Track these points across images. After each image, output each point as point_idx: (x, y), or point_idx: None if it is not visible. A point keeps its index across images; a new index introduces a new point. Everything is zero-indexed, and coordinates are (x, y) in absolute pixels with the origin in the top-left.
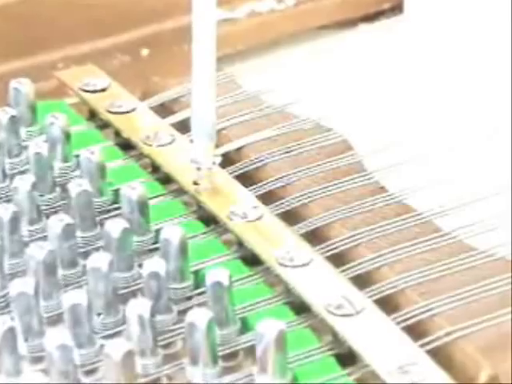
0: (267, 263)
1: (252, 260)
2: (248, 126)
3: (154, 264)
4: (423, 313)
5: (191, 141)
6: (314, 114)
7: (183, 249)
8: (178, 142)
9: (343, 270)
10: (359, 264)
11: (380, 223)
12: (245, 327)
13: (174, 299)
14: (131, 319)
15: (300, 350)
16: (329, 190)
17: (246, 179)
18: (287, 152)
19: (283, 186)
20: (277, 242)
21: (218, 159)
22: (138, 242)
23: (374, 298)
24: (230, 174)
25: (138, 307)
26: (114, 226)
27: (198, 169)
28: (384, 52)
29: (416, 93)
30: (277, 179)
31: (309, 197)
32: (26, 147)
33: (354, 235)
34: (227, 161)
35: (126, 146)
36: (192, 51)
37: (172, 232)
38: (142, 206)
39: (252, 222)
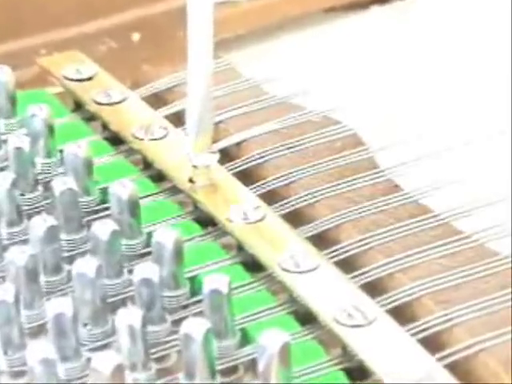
0: (270, 269)
1: (253, 265)
2: (249, 118)
3: (146, 270)
4: (441, 323)
5: (186, 135)
6: (322, 105)
7: (178, 253)
8: (171, 135)
9: (353, 277)
10: (371, 270)
11: (394, 225)
12: (245, 339)
13: (168, 308)
14: (121, 330)
15: (306, 364)
16: (337, 189)
17: (247, 177)
18: (292, 147)
19: (287, 185)
20: (280, 246)
21: (216, 156)
22: (129, 245)
23: (387, 307)
24: (230, 171)
25: (129, 317)
26: (102, 228)
27: (194, 166)
28: (397, 37)
29: (433, 83)
30: (280, 177)
31: (315, 196)
32: (4, 141)
33: (365, 238)
34: (226, 157)
35: (115, 140)
36: (187, 36)
37: (166, 234)
38: (133, 206)
39: (253, 223)
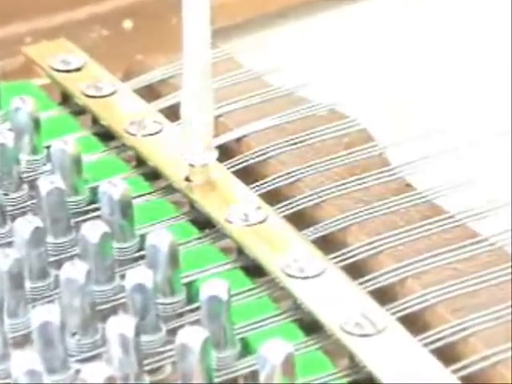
0: (272, 274)
1: (254, 270)
2: (250, 112)
3: (139, 275)
4: (456, 333)
5: (182, 130)
6: (328, 98)
7: (173, 257)
8: (166, 130)
9: (362, 283)
10: (381, 275)
11: (405, 227)
12: (246, 349)
13: (163, 316)
14: (112, 340)
15: (311, 376)
16: (345, 188)
17: (248, 175)
18: (296, 143)
19: (291, 184)
20: (284, 249)
21: (215, 154)
22: (121, 248)
23: (398, 315)
24: (229, 168)
25: (120, 325)
26: (92, 230)
27: (191, 165)
28: (405, 24)
29: (451, 72)
30: (284, 175)
31: (321, 196)
32: None
33: (375, 241)
34: (225, 153)
35: (106, 135)
36: (183, 23)
37: (160, 237)
38: (125, 207)
39: (254, 225)
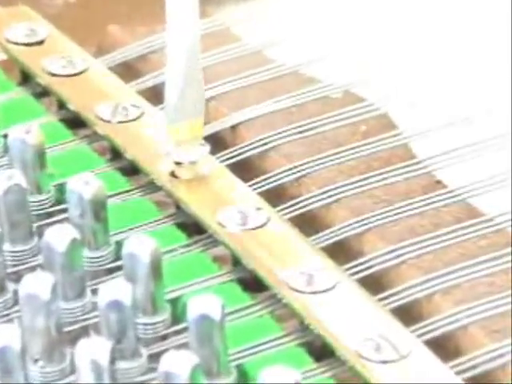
0: (275, 288)
1: (253, 284)
2: (248, 94)
3: (115, 289)
4: (493, 359)
5: (165, 117)
6: (341, 77)
7: (156, 268)
8: (147, 116)
9: (382, 299)
10: (404, 290)
11: (434, 232)
12: (243, 378)
13: (144, 339)
14: (82, 367)
15: None
16: (362, 186)
17: (246, 170)
18: (304, 131)
19: (297, 180)
20: (288, 259)
21: (206, 148)
22: (93, 258)
23: (425, 337)
24: (223, 162)
25: (93, 350)
26: (58, 236)
27: (177, 163)
28: None
29: (481, 51)
30: (288, 170)
31: (333, 195)
32: None
33: (397, 249)
34: (219, 144)
35: (75, 122)
36: None
37: (140, 244)
38: (98, 208)
39: (253, 230)
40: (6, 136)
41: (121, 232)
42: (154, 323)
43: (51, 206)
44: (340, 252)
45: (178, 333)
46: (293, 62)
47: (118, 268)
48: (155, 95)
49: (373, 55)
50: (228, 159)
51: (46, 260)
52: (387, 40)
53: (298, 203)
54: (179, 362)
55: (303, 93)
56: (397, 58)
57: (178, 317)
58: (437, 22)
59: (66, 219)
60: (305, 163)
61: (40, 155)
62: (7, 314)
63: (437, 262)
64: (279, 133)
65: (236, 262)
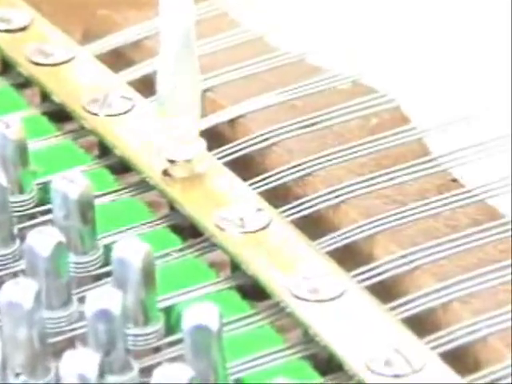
0: (277, 296)
1: (253, 291)
2: (248, 84)
3: (104, 298)
4: None
5: (158, 110)
6: (350, 66)
7: (148, 274)
8: (138, 109)
9: (394, 308)
10: (417, 298)
11: (449, 235)
12: None
13: (135, 351)
14: (68, 381)
15: None
16: (372, 184)
17: (245, 167)
18: (309, 125)
19: (302, 178)
20: (291, 264)
21: (202, 144)
22: (79, 263)
23: (441, 349)
24: (221, 159)
25: (79, 363)
26: (42, 240)
27: (171, 161)
28: None
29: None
30: (292, 167)
31: (341, 195)
32: None
33: (410, 254)
34: (216, 139)
35: (60, 115)
36: None
37: (131, 248)
38: (85, 209)
39: (254, 233)
40: None
41: (110, 235)
42: (146, 334)
43: (34, 207)
44: (348, 257)
45: (171, 344)
46: (297, 50)
47: (107, 274)
48: (147, 86)
49: (385, 42)
50: (226, 156)
51: (28, 265)
52: (400, 25)
53: (302, 204)
54: (173, 376)
55: (308, 83)
56: (411, 45)
57: (171, 327)
58: (456, 6)
59: (50, 221)
60: (310, 160)
61: (22, 151)
62: None
63: (453, 267)
64: (282, 127)
65: (235, 267)
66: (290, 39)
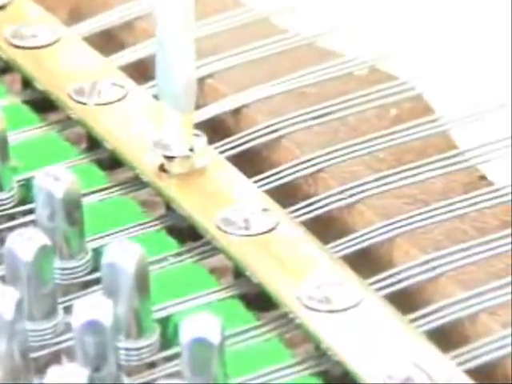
0: (285, 306)
1: (259, 301)
2: (253, 70)
3: (93, 307)
4: None
5: (156, 98)
6: (367, 50)
7: (142, 281)
8: (131, 97)
9: (415, 319)
10: (441, 308)
11: (476, 239)
12: None
13: (127, 366)
14: None
15: None
16: (391, 183)
17: (250, 162)
18: (321, 116)
19: (313, 175)
20: (302, 271)
21: (202, 139)
22: (66, 269)
23: (467, 365)
24: (223, 153)
25: (65, 380)
26: (24, 243)
27: (169, 158)
28: None
29: None
30: (302, 163)
31: (356, 193)
32: None
33: (433, 260)
34: (218, 131)
35: (43, 104)
36: None
37: (123, 252)
38: (72, 208)
39: (259, 235)
40: None
41: (99, 238)
42: (140, 348)
43: (14, 206)
44: (364, 262)
45: (168, 359)
46: (308, 32)
47: (97, 281)
48: (141, 71)
49: (405, 22)
50: (229, 150)
51: (8, 271)
52: (423, 4)
53: (313, 203)
54: None
55: (320, 69)
56: (434, 27)
57: (168, 340)
58: None
59: (33, 222)
60: (322, 155)
61: (1, 144)
62: None
63: (481, 274)
64: (291, 118)
65: (238, 274)
66: (299, 20)
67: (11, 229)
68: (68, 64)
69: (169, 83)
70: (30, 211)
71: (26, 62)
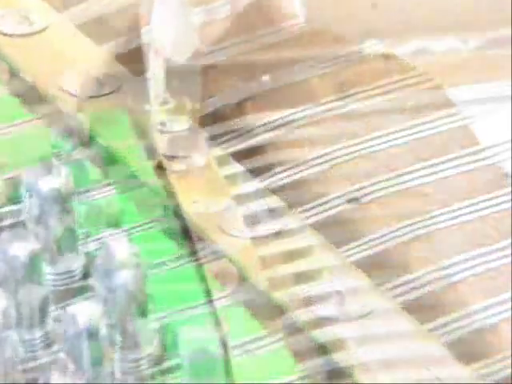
0: (295, 314)
1: (265, 308)
2: (260, 55)
3: (85, 315)
4: None
5: (151, 90)
6: (381, 37)
7: (138, 287)
8: (125, 89)
9: (433, 329)
10: (461, 318)
11: (499, 243)
12: None
13: (124, 378)
14: None
15: None
16: (407, 181)
17: (255, 158)
18: (333, 108)
19: (324, 172)
20: (311, 275)
21: (203, 134)
22: (56, 274)
23: (491, 379)
24: (226, 148)
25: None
26: (11, 247)
27: (169, 157)
28: None
29: None
30: (312, 159)
31: (370, 193)
32: None
33: (453, 264)
34: (220, 124)
35: (32, 96)
36: None
37: (118, 256)
38: (63, 208)
39: (266, 238)
40: None
41: (93, 240)
42: (136, 359)
43: (1, 207)
44: (379, 267)
45: (167, 372)
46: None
47: (90, 287)
48: (137, 61)
49: (422, 8)
50: (233, 145)
51: None
52: None
53: (323, 203)
54: None
55: (332, 55)
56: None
57: (167, 350)
58: None
59: (22, 223)
60: (332, 151)
61: None
62: None
63: (504, 280)
64: (300, 111)
65: (243, 279)
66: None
67: None
68: (59, 53)
69: (171, 68)
70: (18, 212)
71: (13, 51)
